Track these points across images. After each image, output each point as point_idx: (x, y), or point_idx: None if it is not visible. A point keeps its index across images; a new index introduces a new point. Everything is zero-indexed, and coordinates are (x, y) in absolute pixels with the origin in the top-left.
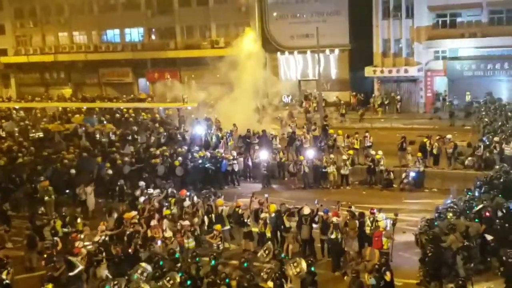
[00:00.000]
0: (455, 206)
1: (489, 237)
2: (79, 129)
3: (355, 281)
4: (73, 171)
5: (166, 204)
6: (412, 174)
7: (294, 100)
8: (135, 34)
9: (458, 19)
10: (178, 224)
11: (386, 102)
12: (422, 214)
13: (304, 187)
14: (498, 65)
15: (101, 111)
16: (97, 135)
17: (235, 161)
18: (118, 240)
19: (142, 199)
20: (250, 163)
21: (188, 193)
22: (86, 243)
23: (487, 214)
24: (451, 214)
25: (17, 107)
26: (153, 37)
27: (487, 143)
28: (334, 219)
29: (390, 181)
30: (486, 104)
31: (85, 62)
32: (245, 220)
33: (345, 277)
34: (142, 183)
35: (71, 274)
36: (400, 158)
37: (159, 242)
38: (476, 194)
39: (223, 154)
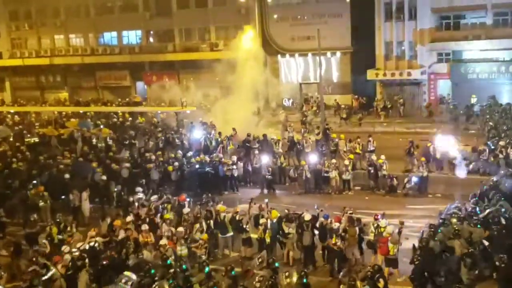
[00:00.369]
0: (459, 212)
1: (486, 243)
2: (75, 134)
3: None
4: (67, 176)
5: (162, 209)
6: (415, 179)
7: (295, 104)
8: (132, 36)
9: (462, 21)
10: (169, 230)
11: (389, 106)
12: (425, 220)
13: (305, 192)
14: (503, 68)
15: (96, 115)
16: (94, 140)
17: (234, 166)
18: (109, 247)
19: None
20: (250, 168)
21: (187, 199)
22: (73, 249)
23: (496, 219)
24: (455, 220)
25: (12, 111)
26: (151, 39)
27: (492, 147)
28: (333, 224)
29: (394, 186)
30: (491, 107)
31: (82, 65)
32: (244, 226)
33: (341, 286)
34: (139, 189)
35: (44, 278)
36: (407, 163)
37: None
38: (481, 199)
39: (222, 159)
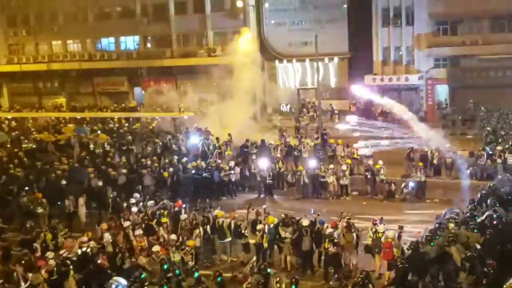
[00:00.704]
0: (456, 217)
1: (478, 246)
2: (72, 140)
3: None
4: (63, 182)
5: (159, 215)
6: (411, 184)
7: (292, 109)
8: (130, 42)
9: (459, 26)
10: (162, 236)
11: (388, 111)
12: (423, 225)
13: (303, 197)
14: (501, 73)
15: (93, 120)
16: (91, 146)
17: (231, 171)
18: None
19: (135, 209)
20: (247, 173)
21: (184, 205)
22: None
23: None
24: (452, 225)
25: (9, 117)
26: (148, 45)
27: (490, 152)
28: (328, 230)
29: (391, 191)
30: (488, 112)
31: (79, 71)
32: (243, 231)
33: None
34: (136, 195)
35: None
36: (407, 169)
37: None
38: (479, 204)
39: (219, 164)
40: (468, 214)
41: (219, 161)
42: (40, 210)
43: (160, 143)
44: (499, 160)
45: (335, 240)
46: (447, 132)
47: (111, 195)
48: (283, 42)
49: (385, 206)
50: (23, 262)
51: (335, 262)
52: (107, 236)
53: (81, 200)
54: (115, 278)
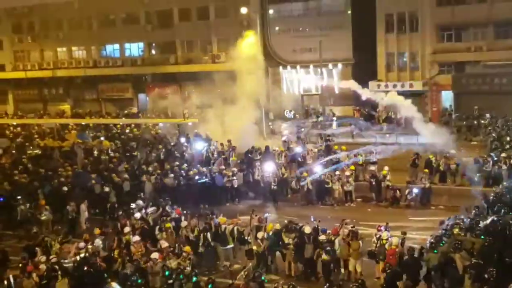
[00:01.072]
0: (461, 223)
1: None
2: (75, 146)
3: None
4: (65, 188)
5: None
6: (415, 190)
7: (297, 115)
8: (135, 49)
9: (464, 33)
10: (158, 244)
11: (393, 117)
12: (428, 232)
13: (307, 204)
14: (505, 80)
15: (96, 126)
16: (95, 152)
17: (234, 177)
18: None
19: (138, 215)
20: (251, 179)
21: (183, 212)
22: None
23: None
24: (457, 230)
25: (14, 123)
26: (153, 51)
27: (495, 158)
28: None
29: (396, 198)
30: (492, 118)
31: (84, 77)
32: (246, 238)
33: None
34: (139, 202)
35: None
36: (411, 175)
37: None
38: (484, 211)
39: (223, 170)
40: (473, 220)
41: (223, 167)
42: (44, 217)
43: (164, 150)
44: (504, 167)
45: (335, 248)
46: (453, 138)
47: (113, 201)
48: (287, 48)
49: (390, 212)
50: (20, 266)
51: (326, 270)
52: (98, 241)
53: (83, 206)
54: (112, 283)
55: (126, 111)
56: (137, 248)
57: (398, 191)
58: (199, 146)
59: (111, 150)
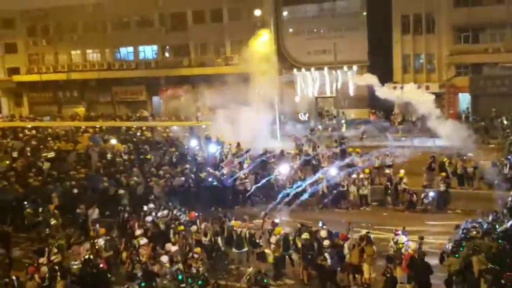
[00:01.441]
0: (478, 227)
1: None
2: (89, 149)
3: None
4: (75, 190)
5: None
6: (431, 194)
7: (310, 118)
8: (148, 51)
9: (481, 34)
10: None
11: (411, 119)
12: (445, 236)
13: (322, 207)
14: None
15: (109, 129)
16: (109, 155)
17: (247, 180)
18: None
19: (149, 219)
20: (265, 182)
21: (196, 214)
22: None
23: None
24: (474, 233)
25: (29, 126)
26: (167, 54)
27: None
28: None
29: (413, 202)
30: (510, 121)
31: (99, 80)
32: (257, 241)
33: None
34: (151, 205)
35: None
36: (427, 178)
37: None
38: (502, 215)
39: (235, 173)
40: (490, 224)
41: (233, 168)
42: (53, 222)
43: (177, 153)
44: None
45: (344, 253)
46: (470, 141)
47: (124, 203)
48: (301, 50)
49: (406, 217)
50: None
51: (329, 276)
52: (100, 241)
53: (91, 210)
54: None
55: (138, 114)
56: (146, 250)
57: (414, 195)
58: (212, 149)
59: (124, 153)
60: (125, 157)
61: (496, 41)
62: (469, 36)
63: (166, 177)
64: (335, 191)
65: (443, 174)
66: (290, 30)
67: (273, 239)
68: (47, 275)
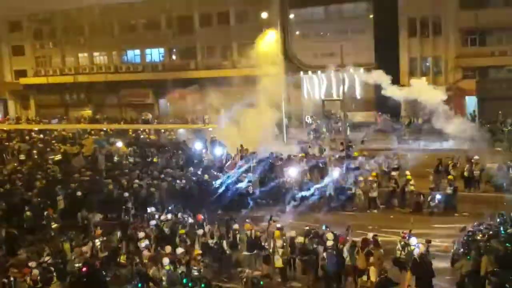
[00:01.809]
0: (485, 230)
1: None
2: (96, 151)
3: None
4: (79, 193)
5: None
6: (438, 196)
7: (318, 121)
8: (155, 54)
9: (488, 37)
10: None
11: (420, 122)
12: (452, 239)
13: (329, 210)
14: None
15: (114, 132)
16: (115, 158)
17: (250, 183)
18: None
19: (153, 222)
20: (272, 185)
21: (203, 217)
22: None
23: None
24: (480, 235)
25: (36, 128)
26: (173, 57)
27: None
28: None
29: (419, 204)
30: None
31: (105, 83)
32: (263, 244)
33: None
34: (152, 208)
35: None
36: (434, 181)
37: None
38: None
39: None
40: (497, 227)
41: (235, 170)
42: (54, 225)
43: (183, 156)
44: None
45: (343, 255)
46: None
47: (129, 206)
48: (308, 53)
49: (413, 219)
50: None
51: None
52: (97, 242)
53: (91, 215)
54: None
55: (143, 117)
56: (149, 254)
57: (421, 197)
58: (219, 152)
59: (130, 155)
60: (131, 159)
61: (503, 44)
62: (476, 39)
63: (169, 180)
64: (342, 194)
65: (450, 177)
66: (297, 32)
67: (279, 243)
68: (38, 277)
